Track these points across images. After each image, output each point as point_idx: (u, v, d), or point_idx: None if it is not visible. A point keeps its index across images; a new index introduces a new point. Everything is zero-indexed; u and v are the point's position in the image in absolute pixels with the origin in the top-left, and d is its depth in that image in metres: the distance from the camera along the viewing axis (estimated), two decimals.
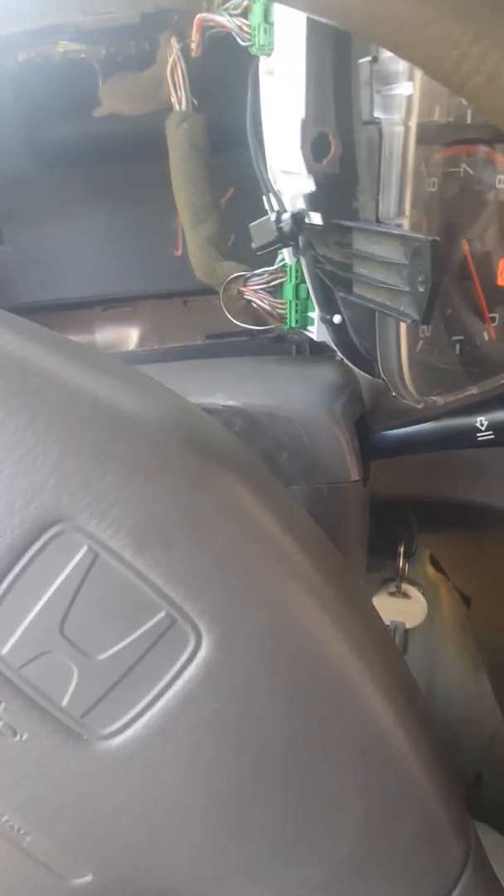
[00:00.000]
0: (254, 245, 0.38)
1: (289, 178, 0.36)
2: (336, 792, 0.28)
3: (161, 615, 0.27)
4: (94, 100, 0.55)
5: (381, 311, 0.33)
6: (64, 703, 0.27)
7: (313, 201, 0.33)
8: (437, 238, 0.26)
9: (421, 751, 0.29)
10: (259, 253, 0.38)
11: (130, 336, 0.63)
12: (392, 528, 0.53)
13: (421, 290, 0.27)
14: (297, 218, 0.33)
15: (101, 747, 0.27)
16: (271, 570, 0.28)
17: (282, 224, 0.34)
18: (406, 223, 0.30)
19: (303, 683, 0.28)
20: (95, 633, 0.27)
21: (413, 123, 0.29)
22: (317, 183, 0.33)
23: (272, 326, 0.46)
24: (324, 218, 0.33)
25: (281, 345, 0.58)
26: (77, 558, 0.27)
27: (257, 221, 0.38)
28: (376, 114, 0.29)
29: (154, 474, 0.27)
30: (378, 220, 0.31)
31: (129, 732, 0.27)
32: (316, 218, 0.34)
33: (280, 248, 0.36)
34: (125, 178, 0.60)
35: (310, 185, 0.33)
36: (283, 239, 0.34)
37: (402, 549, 0.51)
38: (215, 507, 0.28)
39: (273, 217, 0.34)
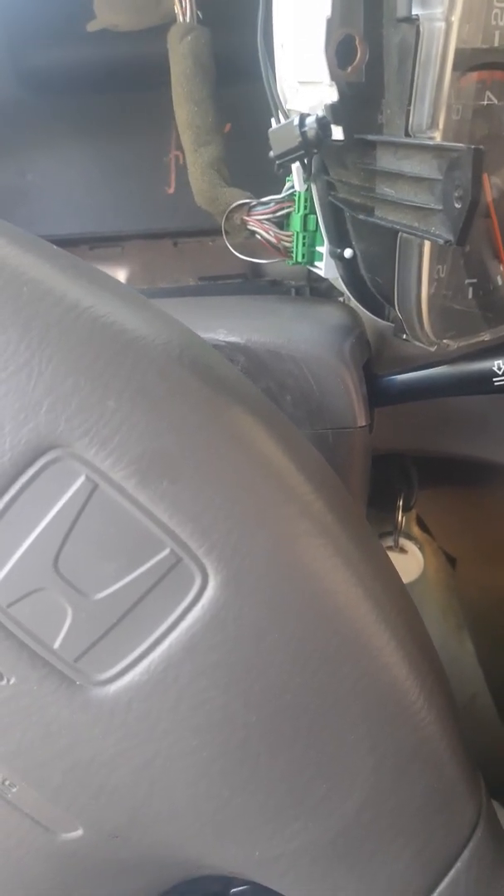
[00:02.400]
0: (272, 154, 0.35)
1: (307, 91, 0.33)
2: (346, 746, 0.26)
3: (165, 553, 0.25)
4: (88, 14, 0.51)
5: (408, 234, 0.30)
6: (56, 646, 0.25)
7: (335, 113, 0.30)
8: (481, 146, 0.24)
9: (435, 705, 0.28)
10: (278, 162, 0.35)
11: (118, 277, 0.60)
12: (389, 481, 0.51)
13: (458, 206, 0.25)
14: (323, 123, 0.30)
15: (96, 694, 0.25)
16: (283, 509, 0.26)
17: (305, 128, 0.31)
18: (439, 136, 0.28)
19: (313, 630, 0.26)
20: (93, 570, 0.25)
21: (456, 18, 0.26)
22: (340, 93, 0.30)
23: (275, 261, 0.43)
24: (345, 133, 0.30)
25: (278, 289, 0.55)
26: (74, 488, 0.24)
27: (277, 126, 0.35)
28: (414, 10, 0.26)
29: (160, 401, 0.25)
30: (407, 134, 0.28)
31: (128, 678, 0.25)
32: (337, 133, 0.31)
33: (302, 157, 0.33)
34: (117, 109, 0.57)
35: (332, 95, 0.30)
36: (307, 146, 0.31)
37: (401, 503, 0.49)
38: (225, 440, 0.26)
39: (296, 121, 0.31)
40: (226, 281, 0.56)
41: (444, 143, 0.27)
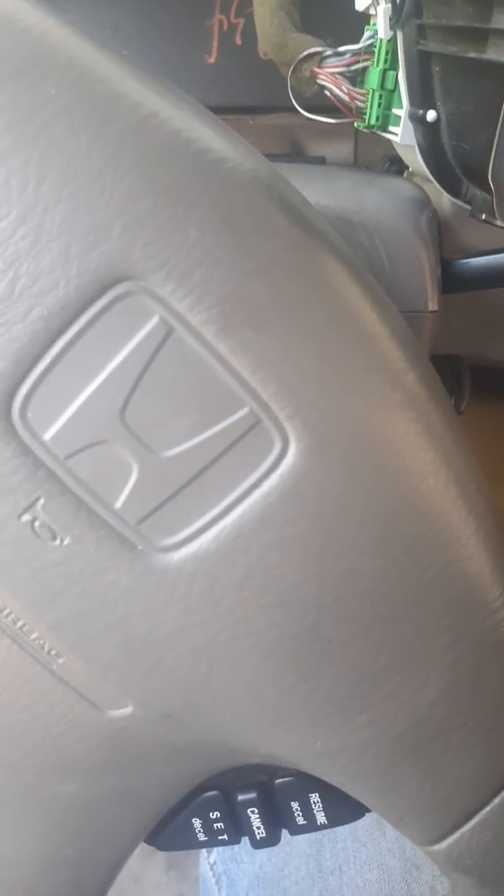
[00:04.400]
0: None
1: None
2: (425, 637, 0.24)
3: (244, 412, 0.22)
4: None
5: None
6: (118, 506, 0.22)
7: None
8: None
9: None
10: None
11: None
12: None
13: None
14: None
15: (158, 561, 0.23)
16: (376, 375, 0.23)
17: None
18: None
19: (400, 510, 0.23)
20: (163, 424, 0.22)
21: None
22: None
23: (345, 122, 0.39)
24: None
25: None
26: (146, 329, 0.21)
27: None
28: None
29: (248, 235, 0.22)
30: None
31: (194, 546, 0.22)
32: None
33: None
34: None
35: None
36: None
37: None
38: (317, 290, 0.22)
39: None
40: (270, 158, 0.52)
41: None
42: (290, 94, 0.39)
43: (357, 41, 0.37)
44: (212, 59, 0.54)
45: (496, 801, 0.26)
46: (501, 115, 0.30)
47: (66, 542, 0.22)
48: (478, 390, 0.58)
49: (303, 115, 0.40)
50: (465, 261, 0.37)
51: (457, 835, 0.26)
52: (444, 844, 0.26)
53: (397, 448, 0.23)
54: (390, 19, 0.34)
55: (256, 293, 0.22)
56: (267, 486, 0.22)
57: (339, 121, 0.39)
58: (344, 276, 0.23)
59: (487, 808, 0.26)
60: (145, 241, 0.21)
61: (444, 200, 0.42)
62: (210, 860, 0.45)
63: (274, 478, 0.22)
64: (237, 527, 0.22)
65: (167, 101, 0.22)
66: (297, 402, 0.22)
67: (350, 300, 0.23)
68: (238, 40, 0.55)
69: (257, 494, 0.22)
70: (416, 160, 0.38)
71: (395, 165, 0.46)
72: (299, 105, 0.39)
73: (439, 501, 0.24)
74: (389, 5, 0.34)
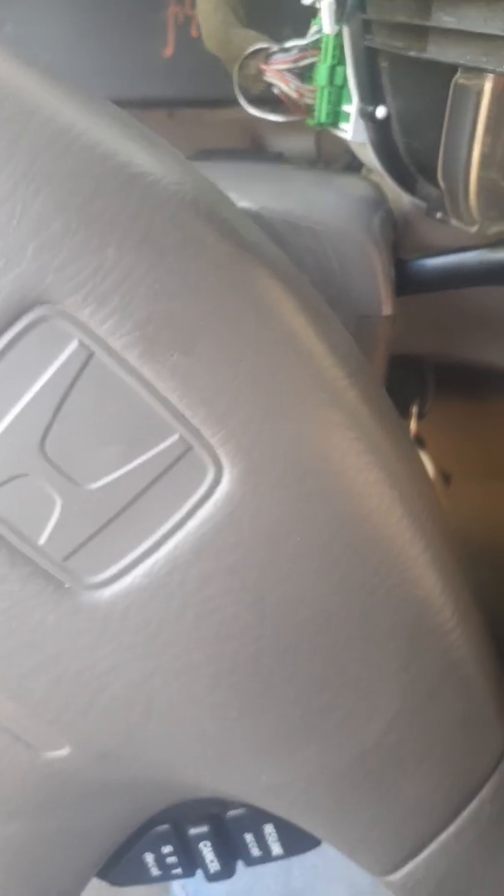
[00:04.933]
0: None
1: None
2: (372, 665, 0.23)
3: (173, 439, 0.21)
4: None
5: (471, 70, 0.25)
6: (41, 542, 0.21)
7: None
8: None
9: (469, 624, 0.24)
10: None
11: None
12: (401, 386, 0.47)
13: None
14: None
15: (88, 598, 0.21)
16: (312, 395, 0.22)
17: None
18: None
19: (341, 534, 0.22)
20: (87, 455, 0.21)
21: None
22: None
23: (294, 119, 0.37)
24: None
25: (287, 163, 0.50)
26: (65, 355, 0.20)
27: None
28: None
29: (172, 252, 0.20)
30: None
31: (126, 582, 0.21)
32: None
33: None
34: None
35: None
36: None
37: (415, 410, 0.46)
38: (248, 308, 0.21)
39: None
40: (227, 154, 0.50)
41: None
42: (237, 91, 0.37)
43: (304, 35, 0.36)
44: (168, 52, 0.53)
45: (450, 829, 0.25)
46: (447, 113, 0.29)
47: None
48: (445, 389, 0.57)
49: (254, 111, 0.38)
50: (421, 262, 0.36)
51: (412, 864, 0.25)
52: (399, 874, 0.26)
53: (337, 470, 0.22)
54: (335, 14, 0.33)
55: (182, 314, 0.21)
56: (201, 515, 0.21)
57: (288, 118, 0.38)
58: (278, 292, 0.22)
59: (442, 837, 0.25)
60: (60, 264, 0.20)
61: (403, 197, 0.41)
62: (181, 880, 0.44)
63: (208, 506, 0.21)
64: (170, 560, 0.21)
65: (83, 114, 0.21)
66: (230, 427, 0.21)
67: (284, 317, 0.22)
68: (194, 32, 0.53)
69: (191, 525, 0.21)
70: (369, 157, 0.37)
71: (357, 159, 0.45)
72: (247, 102, 0.37)
73: (383, 523, 0.23)
74: (334, 0, 0.33)
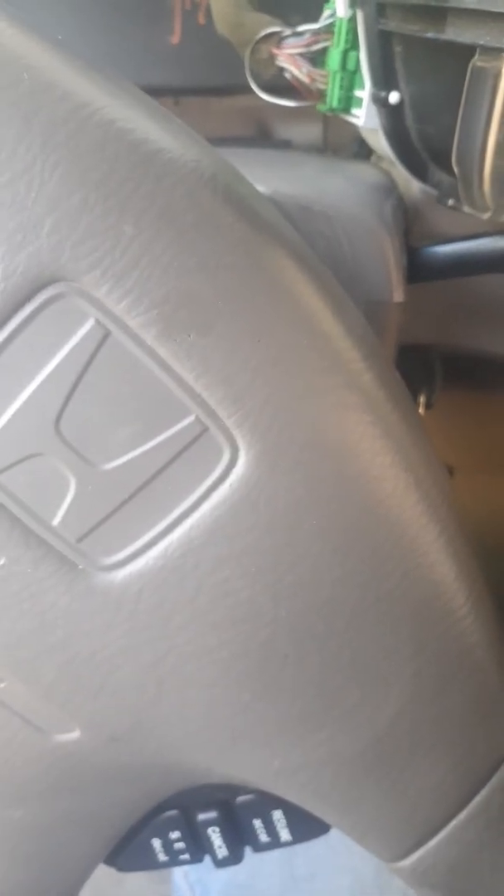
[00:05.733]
0: None
1: None
2: (385, 649, 0.23)
3: (190, 420, 0.21)
4: None
5: (491, 50, 0.25)
6: (55, 523, 0.21)
7: None
8: None
9: (482, 610, 0.24)
10: None
11: None
12: (408, 377, 0.47)
13: None
14: None
15: (101, 580, 0.21)
16: (329, 377, 0.22)
17: None
18: None
19: (357, 518, 0.22)
20: (101, 435, 0.20)
21: None
22: None
23: (306, 105, 0.37)
24: None
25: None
26: (81, 333, 0.20)
27: None
28: None
29: (189, 231, 0.20)
30: None
31: (140, 563, 0.21)
32: None
33: None
34: None
35: None
36: None
37: (422, 400, 0.45)
38: (266, 288, 0.21)
39: None
40: (236, 141, 0.50)
41: None
42: (249, 75, 0.37)
43: (317, 20, 0.36)
44: (175, 40, 0.53)
45: (461, 815, 0.25)
46: (463, 97, 0.29)
47: (1, 561, 0.21)
48: (453, 379, 0.57)
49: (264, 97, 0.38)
50: (432, 249, 0.36)
51: (422, 851, 0.25)
52: (409, 861, 0.25)
53: (353, 453, 0.22)
54: (346, 1, 0.33)
55: (199, 293, 0.20)
56: (216, 497, 0.21)
57: (299, 104, 0.37)
58: (295, 273, 0.22)
59: (452, 824, 0.25)
60: (77, 240, 0.19)
61: (413, 185, 0.41)
62: (184, 867, 0.44)
63: (223, 489, 0.21)
64: (185, 542, 0.21)
65: (101, 90, 0.20)
66: (247, 408, 0.21)
67: (301, 298, 0.22)
68: (201, 19, 0.53)
69: (206, 507, 0.21)
70: (380, 143, 0.37)
71: (365, 148, 0.45)
72: (259, 87, 0.37)
73: (398, 507, 0.23)
74: None
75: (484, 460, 0.73)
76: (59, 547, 0.21)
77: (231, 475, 0.21)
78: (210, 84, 0.52)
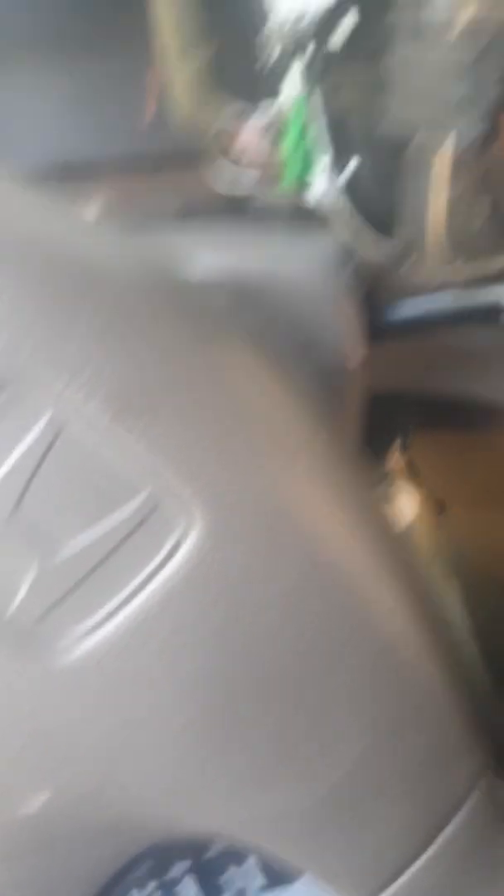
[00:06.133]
0: (268, 53, 0.31)
1: None
2: (341, 702, 0.24)
3: (143, 495, 0.22)
4: None
5: (429, 131, 0.27)
6: (10, 611, 0.22)
7: None
8: None
9: (437, 657, 0.26)
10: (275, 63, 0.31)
11: (91, 209, 0.56)
12: (385, 422, 0.49)
13: (495, 91, 0.22)
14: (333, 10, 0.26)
15: (59, 661, 0.23)
16: (279, 449, 0.24)
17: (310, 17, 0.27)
18: (473, 8, 0.24)
19: (308, 579, 0.24)
20: (58, 519, 0.22)
21: None
22: None
23: (268, 176, 0.39)
24: (360, 15, 0.26)
25: (266, 216, 0.52)
26: (39, 427, 0.22)
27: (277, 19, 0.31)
28: None
29: (139, 329, 0.22)
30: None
31: (98, 637, 0.23)
32: (349, 18, 0.27)
33: (305, 50, 0.29)
34: (91, 18, 0.52)
35: None
36: (317, 31, 0.26)
37: (396, 446, 0.47)
38: (212, 373, 0.23)
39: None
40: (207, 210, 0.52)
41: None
42: (211, 153, 0.40)
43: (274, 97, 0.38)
44: (151, 113, 0.55)
45: (428, 853, 0.26)
46: (410, 168, 0.31)
47: None
48: (436, 420, 0.59)
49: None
50: (396, 307, 0.38)
51: (389, 891, 0.26)
52: None
53: (302, 518, 0.24)
54: (304, 75, 0.35)
55: (150, 381, 0.22)
56: (170, 568, 0.23)
57: (262, 175, 0.40)
58: (239, 356, 0.24)
59: (417, 864, 0.26)
60: (35, 342, 0.21)
61: (375, 245, 0.43)
62: None
63: (177, 559, 0.23)
64: (141, 613, 0.23)
65: (44, 220, 0.23)
66: (200, 482, 0.22)
67: (247, 378, 0.24)
68: (172, 96, 0.56)
69: (160, 578, 0.23)
70: (340, 209, 0.39)
71: (327, 211, 0.47)
72: (223, 159, 0.40)
73: (348, 565, 0.24)
74: (303, 62, 0.35)
75: (472, 496, 0.74)
76: (14, 631, 0.22)
77: (184, 546, 0.23)
78: (186, 152, 0.54)
